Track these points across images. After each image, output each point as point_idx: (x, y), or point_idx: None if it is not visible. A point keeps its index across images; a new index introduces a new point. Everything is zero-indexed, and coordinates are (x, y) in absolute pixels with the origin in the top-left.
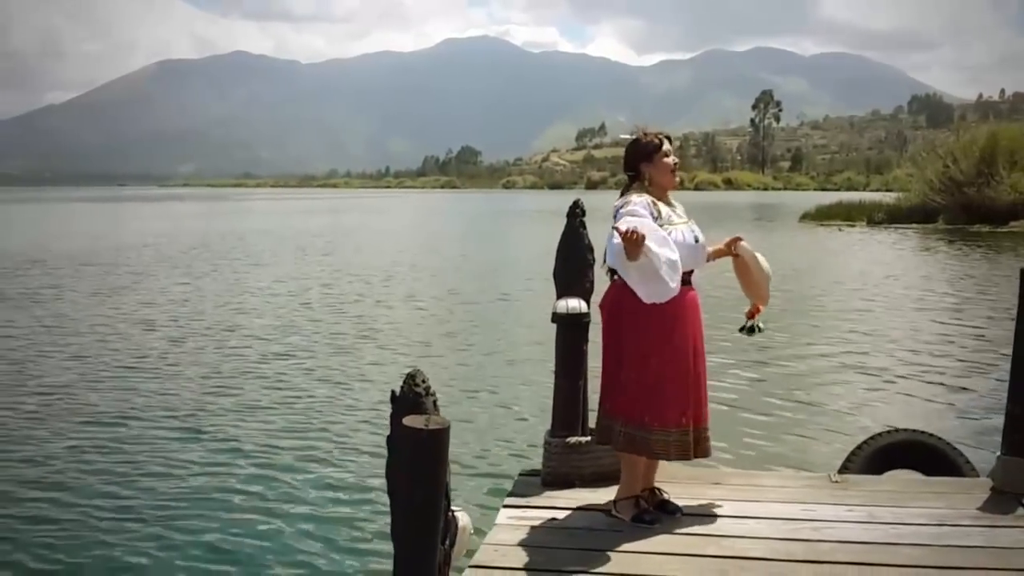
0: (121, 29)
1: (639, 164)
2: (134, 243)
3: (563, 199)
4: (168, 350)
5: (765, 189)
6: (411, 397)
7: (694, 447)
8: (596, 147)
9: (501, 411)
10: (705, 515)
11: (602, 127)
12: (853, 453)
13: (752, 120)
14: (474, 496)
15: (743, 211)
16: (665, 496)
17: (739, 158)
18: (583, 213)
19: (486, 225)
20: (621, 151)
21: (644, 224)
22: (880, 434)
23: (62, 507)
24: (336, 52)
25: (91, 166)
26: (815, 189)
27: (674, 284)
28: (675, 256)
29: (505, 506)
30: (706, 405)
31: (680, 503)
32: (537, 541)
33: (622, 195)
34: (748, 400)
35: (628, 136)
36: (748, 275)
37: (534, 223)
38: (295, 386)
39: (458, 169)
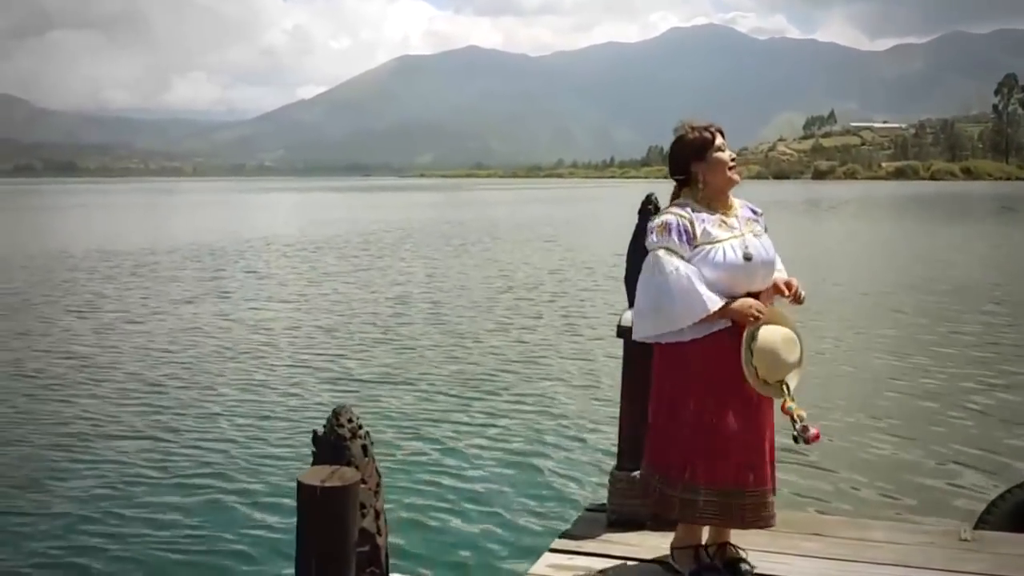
0: (365, 27)
1: (691, 164)
2: (376, 229)
3: (785, 189)
4: (397, 324)
5: (1008, 179)
6: (332, 440)
7: (739, 513)
8: (825, 136)
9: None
10: None
11: (831, 115)
12: (994, 504)
13: (994, 106)
14: (532, 534)
15: (978, 202)
16: (740, 554)
17: (980, 146)
18: (657, 209)
19: None
20: (851, 140)
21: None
22: None
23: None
24: (563, 44)
25: (337, 157)
26: None
27: (652, 328)
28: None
29: (551, 550)
30: (768, 464)
31: (763, 557)
32: None
33: (671, 202)
34: (880, 427)
35: (860, 124)
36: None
37: None
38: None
39: None
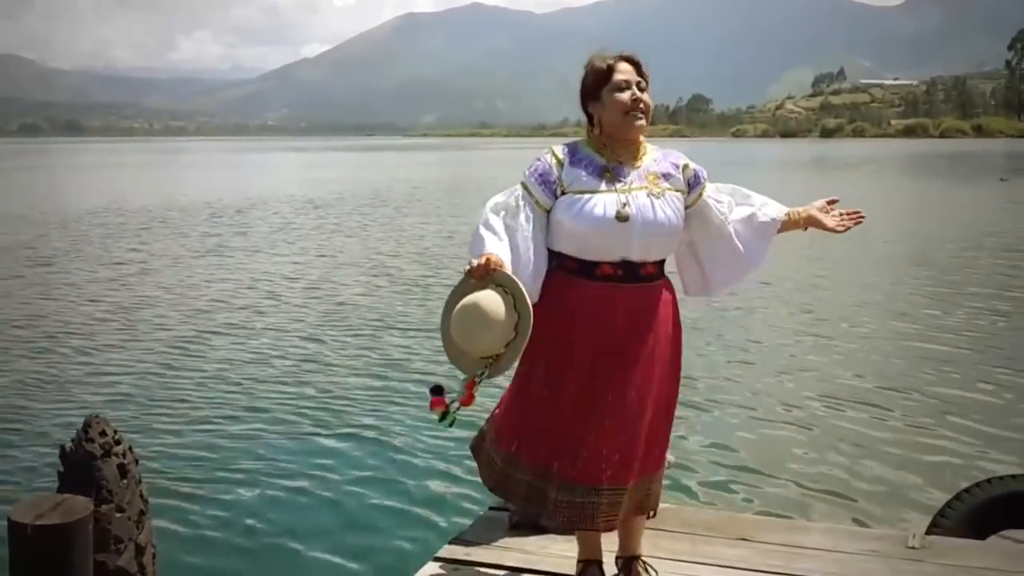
0: None
1: (587, 103)
2: (382, 187)
3: (790, 148)
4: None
5: (1020, 136)
6: (79, 458)
7: (605, 513)
8: (834, 93)
9: None
10: None
11: (841, 72)
12: (948, 506)
13: (1008, 62)
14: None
15: (985, 160)
16: (640, 571)
17: (992, 103)
18: None
19: None
20: (860, 97)
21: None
22: (989, 481)
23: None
24: (570, 0)
25: (342, 116)
26: None
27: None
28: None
29: (435, 558)
30: (636, 459)
31: (679, 568)
32: None
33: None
34: (820, 417)
35: (870, 81)
36: None
37: (749, 174)
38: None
39: (688, 117)
